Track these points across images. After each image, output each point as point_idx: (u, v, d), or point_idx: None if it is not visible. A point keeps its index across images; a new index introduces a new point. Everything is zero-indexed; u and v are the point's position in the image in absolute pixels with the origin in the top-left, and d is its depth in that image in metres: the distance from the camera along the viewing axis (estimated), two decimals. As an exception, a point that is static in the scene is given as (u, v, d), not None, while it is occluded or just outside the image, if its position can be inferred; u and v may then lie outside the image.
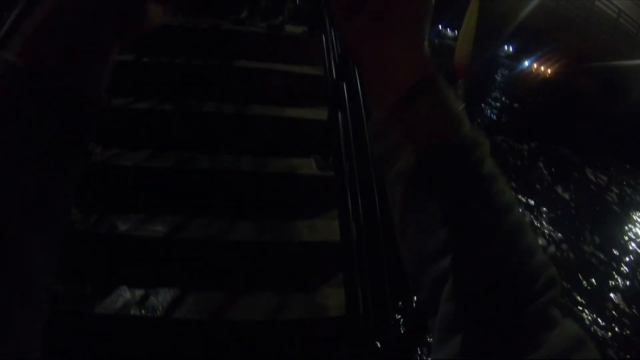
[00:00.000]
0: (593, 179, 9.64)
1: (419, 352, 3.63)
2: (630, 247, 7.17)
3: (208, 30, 3.37)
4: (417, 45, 0.42)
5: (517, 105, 14.69)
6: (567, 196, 8.27)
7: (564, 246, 6.52)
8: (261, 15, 3.85)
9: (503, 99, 15.05)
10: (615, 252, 6.84)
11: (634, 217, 8.38)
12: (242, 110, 2.79)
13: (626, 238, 7.49)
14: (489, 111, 13.73)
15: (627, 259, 6.78)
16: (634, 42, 16.49)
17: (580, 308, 5.55)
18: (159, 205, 2.24)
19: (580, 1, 14.89)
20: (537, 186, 8.33)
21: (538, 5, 13.01)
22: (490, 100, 14.64)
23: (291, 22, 3.82)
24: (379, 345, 1.34)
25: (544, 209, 7.47)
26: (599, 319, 5.44)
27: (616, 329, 5.37)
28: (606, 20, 15.62)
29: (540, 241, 6.35)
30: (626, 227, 7.89)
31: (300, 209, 2.35)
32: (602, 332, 5.26)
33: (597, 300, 5.73)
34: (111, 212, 2.18)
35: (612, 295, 5.95)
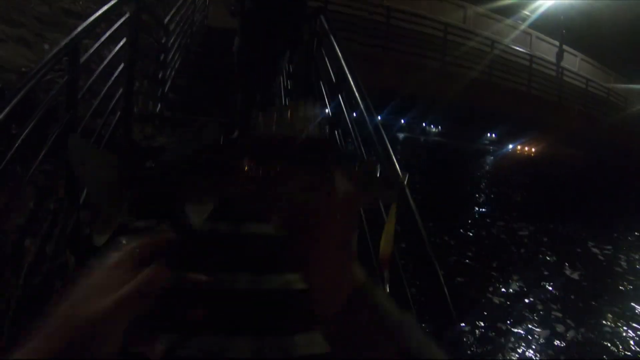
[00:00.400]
0: (598, 252, 9.56)
1: None
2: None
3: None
4: (347, 259, 0.51)
5: (508, 189, 14.94)
6: (576, 275, 8.13)
7: (582, 330, 6.29)
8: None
9: (493, 185, 15.35)
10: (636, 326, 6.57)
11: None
12: (237, 228, 2.90)
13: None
14: (481, 199, 13.93)
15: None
16: (606, 105, 17.29)
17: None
18: (157, 319, 2.24)
19: (549, 81, 15.67)
20: (545, 271, 8.22)
21: (514, 93, 13.74)
22: (482, 188, 14.91)
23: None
24: None
25: (555, 292, 7.32)
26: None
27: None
28: (576, 92, 16.48)
29: (558, 328, 6.16)
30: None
31: (298, 323, 2.36)
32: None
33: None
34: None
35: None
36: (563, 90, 15.87)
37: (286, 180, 0.56)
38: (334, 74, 3.79)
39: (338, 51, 3.63)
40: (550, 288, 7.37)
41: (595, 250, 9.62)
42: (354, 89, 3.03)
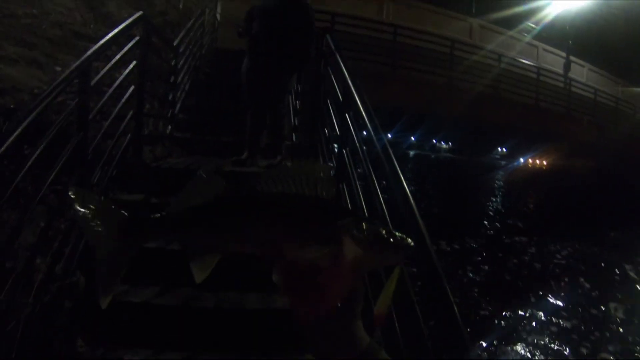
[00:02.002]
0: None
1: None
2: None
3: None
4: (353, 321, 0.53)
5: (521, 205, 14.77)
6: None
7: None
8: (261, 154, 4.18)
9: (505, 201, 15.20)
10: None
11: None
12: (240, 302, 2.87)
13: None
14: (494, 216, 13.77)
15: None
16: (615, 114, 17.14)
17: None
18: (167, 341, 2.26)
19: (558, 91, 15.59)
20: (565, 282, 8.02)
21: (522, 106, 13.71)
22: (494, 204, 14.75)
23: (289, 159, 4.09)
24: None
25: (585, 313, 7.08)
26: None
27: None
28: (585, 103, 16.39)
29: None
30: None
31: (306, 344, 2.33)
32: None
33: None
34: (118, 346, 2.21)
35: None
36: (571, 101, 15.78)
37: (291, 240, 0.57)
38: (341, 93, 3.82)
39: (344, 70, 3.66)
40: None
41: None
42: (361, 109, 3.03)
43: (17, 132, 1.66)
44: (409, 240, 0.64)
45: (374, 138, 2.69)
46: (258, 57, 4.08)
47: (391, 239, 0.61)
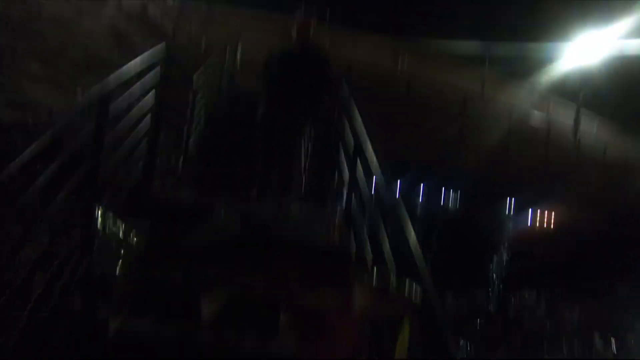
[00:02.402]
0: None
1: None
2: None
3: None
4: None
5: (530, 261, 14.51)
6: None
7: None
8: (271, 194, 4.17)
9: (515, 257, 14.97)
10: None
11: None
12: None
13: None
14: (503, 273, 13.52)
15: None
16: (625, 170, 17.09)
17: None
18: None
19: (569, 145, 15.64)
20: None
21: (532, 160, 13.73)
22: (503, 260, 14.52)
23: (298, 201, 4.08)
24: None
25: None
26: None
27: None
28: (595, 157, 16.41)
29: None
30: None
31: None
32: None
33: None
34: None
35: None
36: (581, 156, 15.83)
37: (303, 282, 0.55)
38: (353, 140, 3.83)
39: (357, 117, 3.69)
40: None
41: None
42: (372, 159, 3.03)
43: (31, 149, 1.65)
44: (418, 290, 0.62)
45: (383, 187, 2.67)
46: (274, 99, 4.14)
47: (400, 289, 0.59)
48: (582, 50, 19.13)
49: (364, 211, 3.22)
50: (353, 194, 3.46)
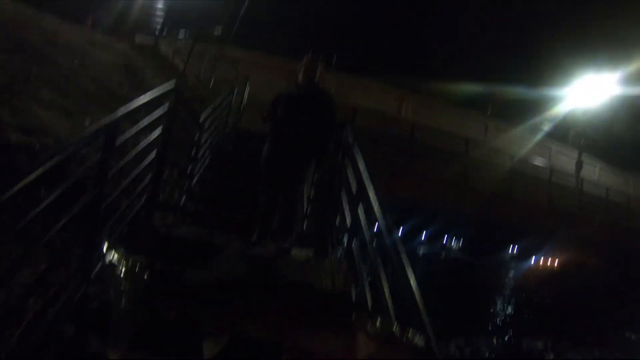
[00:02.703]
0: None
1: None
2: None
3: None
4: None
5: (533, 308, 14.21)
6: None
7: None
8: (271, 238, 4.13)
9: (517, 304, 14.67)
10: None
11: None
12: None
13: None
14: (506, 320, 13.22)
15: None
16: (626, 213, 16.94)
17: None
18: None
19: (570, 191, 15.54)
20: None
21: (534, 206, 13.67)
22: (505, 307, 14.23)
23: (299, 245, 4.04)
24: None
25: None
26: None
27: None
28: (597, 201, 16.42)
29: None
30: None
31: None
32: None
33: None
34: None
35: None
36: (583, 200, 15.78)
37: (306, 328, 0.54)
38: (356, 186, 3.83)
39: (360, 164, 3.70)
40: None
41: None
42: (374, 204, 3.02)
43: (35, 174, 1.66)
44: (420, 338, 0.61)
45: (385, 232, 2.65)
46: (278, 142, 4.18)
47: (403, 337, 0.58)
48: (583, 95, 19.48)
49: (365, 256, 3.18)
50: (355, 239, 3.43)
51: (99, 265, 2.26)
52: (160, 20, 12.12)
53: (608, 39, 21.44)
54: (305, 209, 5.22)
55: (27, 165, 1.69)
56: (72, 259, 2.38)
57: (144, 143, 3.44)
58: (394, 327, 0.54)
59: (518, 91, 20.98)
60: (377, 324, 0.53)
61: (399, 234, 2.77)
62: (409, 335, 0.56)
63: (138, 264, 1.63)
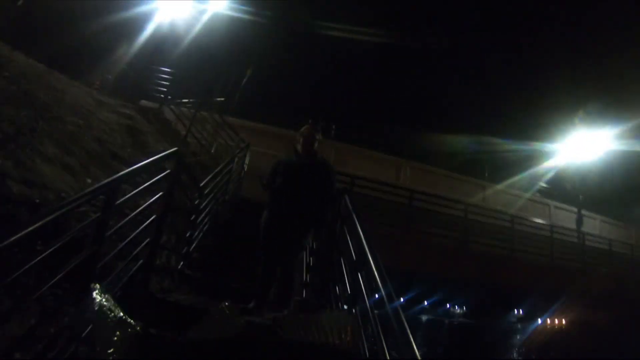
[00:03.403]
0: None
1: None
2: None
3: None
4: None
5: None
6: None
7: None
8: (268, 306, 4.05)
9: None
10: None
11: None
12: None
13: None
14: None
15: None
16: (630, 262, 16.58)
17: None
18: None
19: (573, 247, 15.37)
20: None
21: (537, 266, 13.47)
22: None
23: (297, 314, 3.94)
24: None
25: None
26: None
27: None
28: (600, 255, 16.28)
29: None
30: None
31: None
32: None
33: None
34: None
35: None
36: (586, 254, 15.54)
37: None
38: (355, 254, 3.80)
39: (360, 231, 3.70)
40: None
41: None
42: (375, 272, 3.00)
43: (34, 227, 1.67)
44: None
45: (386, 300, 2.60)
46: (277, 211, 4.19)
47: None
48: (578, 151, 19.86)
49: (366, 325, 3.09)
50: (353, 310, 3.35)
51: (90, 326, 2.21)
52: (165, 88, 12.60)
53: (601, 96, 22.22)
54: (304, 277, 5.14)
55: (27, 218, 1.70)
56: (63, 316, 2.32)
57: (144, 206, 3.45)
58: None
59: (513, 151, 21.42)
60: None
61: (401, 302, 2.70)
62: None
63: (130, 329, 1.57)
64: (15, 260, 1.60)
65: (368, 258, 3.16)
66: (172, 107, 11.93)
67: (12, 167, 3.61)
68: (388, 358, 2.26)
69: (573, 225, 18.27)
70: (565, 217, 19.36)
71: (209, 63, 18.14)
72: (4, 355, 1.76)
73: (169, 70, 13.31)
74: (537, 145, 21.34)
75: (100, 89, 11.49)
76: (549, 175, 21.00)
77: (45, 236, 1.88)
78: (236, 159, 8.98)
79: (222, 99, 13.50)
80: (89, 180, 4.21)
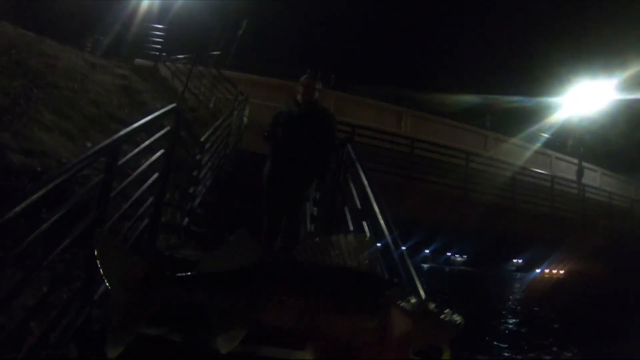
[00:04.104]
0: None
1: None
2: None
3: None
4: None
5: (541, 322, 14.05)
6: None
7: None
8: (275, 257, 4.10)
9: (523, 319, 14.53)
10: None
11: None
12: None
13: None
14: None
15: None
16: (629, 216, 16.85)
17: None
18: None
19: (573, 198, 15.54)
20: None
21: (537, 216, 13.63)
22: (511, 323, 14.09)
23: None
24: None
25: None
26: None
27: None
28: (600, 207, 16.39)
29: None
30: None
31: None
32: None
33: None
34: None
35: None
36: (586, 207, 15.74)
37: (330, 313, 0.50)
38: (359, 202, 3.80)
39: (364, 179, 3.68)
40: None
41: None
42: (380, 218, 3.00)
43: (37, 195, 1.65)
44: (459, 318, 0.56)
45: (392, 246, 2.61)
46: (280, 162, 4.17)
47: (441, 316, 0.54)
48: (580, 103, 19.67)
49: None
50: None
51: (101, 288, 2.24)
52: (159, 44, 12.30)
53: (602, 47, 21.80)
54: (309, 227, 5.18)
55: (29, 188, 1.68)
56: (74, 281, 2.36)
57: (145, 165, 3.43)
58: (431, 304, 0.51)
59: (515, 102, 21.19)
60: (413, 301, 0.51)
61: (404, 249, 2.75)
62: (447, 313, 0.53)
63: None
64: (22, 230, 1.60)
65: (373, 205, 3.17)
66: (168, 64, 11.69)
67: (11, 138, 3.56)
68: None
69: (574, 177, 18.30)
70: (566, 168, 19.35)
71: (203, 16, 17.60)
72: (20, 326, 1.78)
73: (162, 27, 12.94)
74: (539, 98, 21.08)
75: (92, 51, 11.22)
76: (550, 126, 20.85)
77: (50, 203, 1.86)
78: (235, 112, 8.88)
79: (218, 52, 13.18)
80: (89, 144, 4.17)
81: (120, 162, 2.69)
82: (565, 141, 21.11)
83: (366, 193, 3.43)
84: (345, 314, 0.48)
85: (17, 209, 1.50)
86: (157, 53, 12.11)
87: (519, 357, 10.02)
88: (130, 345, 0.57)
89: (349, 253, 0.53)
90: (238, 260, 0.57)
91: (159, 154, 3.67)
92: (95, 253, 0.55)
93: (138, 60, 11.81)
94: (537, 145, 19.23)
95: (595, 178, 20.33)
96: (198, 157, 5.50)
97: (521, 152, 17.95)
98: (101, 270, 0.54)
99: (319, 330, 0.47)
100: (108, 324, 0.55)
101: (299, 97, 4.28)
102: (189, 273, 0.56)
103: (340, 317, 0.48)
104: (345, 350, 0.45)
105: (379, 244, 2.82)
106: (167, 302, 0.57)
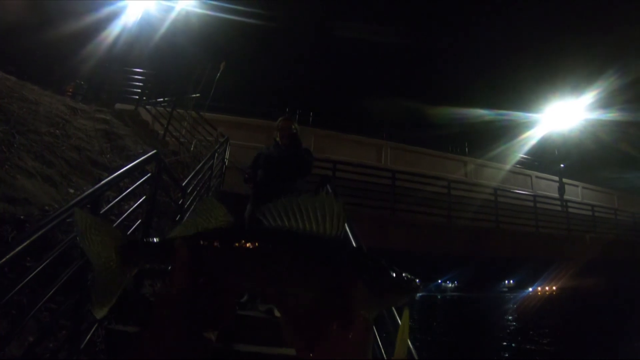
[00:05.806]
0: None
1: None
2: None
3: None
4: None
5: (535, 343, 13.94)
6: None
7: None
8: (261, 299, 4.11)
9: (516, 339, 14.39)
10: None
11: None
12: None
13: None
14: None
15: None
16: (616, 225, 16.89)
17: None
18: None
19: (557, 215, 15.72)
20: None
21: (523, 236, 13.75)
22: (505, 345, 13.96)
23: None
24: None
25: None
26: None
27: None
28: (584, 221, 16.57)
29: None
30: None
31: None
32: None
33: None
34: None
35: None
36: (571, 221, 15.93)
37: (296, 276, 0.55)
38: None
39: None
40: None
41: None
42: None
43: (23, 245, 1.68)
44: (417, 281, 0.62)
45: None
46: (260, 202, 4.23)
47: (400, 280, 0.59)
48: (554, 122, 20.30)
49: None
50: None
51: (87, 336, 2.23)
52: (139, 88, 12.44)
53: (573, 69, 22.77)
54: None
55: (14, 236, 1.70)
56: (60, 330, 2.33)
57: (128, 211, 3.45)
58: (391, 269, 0.53)
59: (493, 123, 21.75)
60: (373, 266, 0.52)
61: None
62: (407, 276, 0.55)
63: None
64: (7, 279, 1.60)
65: (351, 240, 3.22)
66: (148, 107, 11.78)
67: (-6, 186, 3.56)
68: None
69: (555, 194, 18.62)
70: (547, 186, 19.74)
71: (182, 60, 17.91)
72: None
73: (142, 70, 13.11)
74: (516, 117, 21.71)
75: (72, 96, 11.28)
76: (529, 146, 21.42)
77: (34, 252, 1.88)
78: (216, 154, 8.93)
79: (198, 95, 13.35)
80: (72, 191, 4.17)
81: (103, 210, 2.72)
82: (544, 160, 21.68)
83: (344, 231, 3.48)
84: (307, 278, 0.54)
85: (3, 259, 1.53)
86: (137, 97, 12.22)
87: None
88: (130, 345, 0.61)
89: (315, 217, 0.59)
90: (208, 225, 0.63)
91: (141, 200, 3.70)
92: (75, 228, 0.62)
93: (119, 105, 11.88)
94: (517, 167, 19.66)
95: (576, 193, 20.75)
96: (180, 201, 5.50)
97: (501, 175, 18.29)
98: (81, 241, 0.61)
99: (284, 295, 0.53)
100: (92, 288, 0.61)
101: (277, 139, 4.42)
102: (162, 240, 0.63)
103: (303, 281, 0.54)
104: (311, 315, 0.50)
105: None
106: (143, 265, 0.63)
